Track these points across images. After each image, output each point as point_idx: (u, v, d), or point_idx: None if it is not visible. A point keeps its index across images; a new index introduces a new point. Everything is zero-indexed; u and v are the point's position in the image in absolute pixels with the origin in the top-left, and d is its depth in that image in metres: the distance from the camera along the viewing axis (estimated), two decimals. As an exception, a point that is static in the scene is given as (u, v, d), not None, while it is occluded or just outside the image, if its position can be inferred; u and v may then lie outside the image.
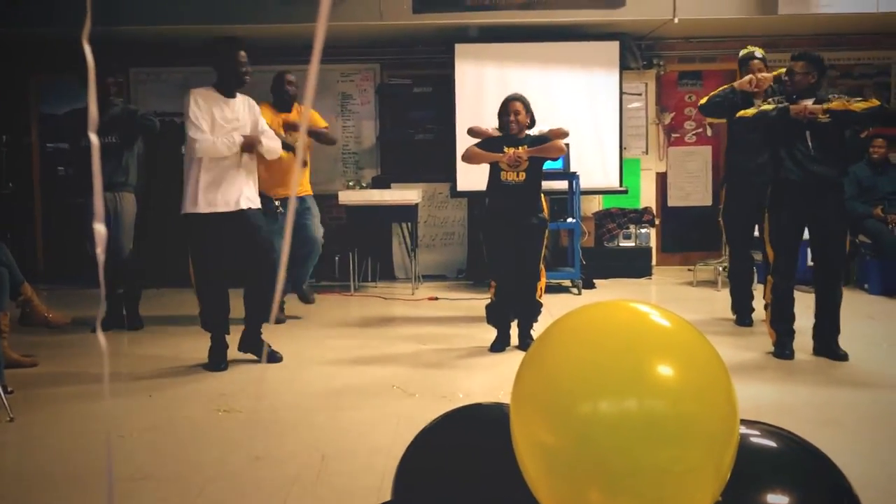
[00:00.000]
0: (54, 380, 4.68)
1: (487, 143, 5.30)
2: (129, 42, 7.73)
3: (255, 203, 4.95)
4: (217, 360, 4.89)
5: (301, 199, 6.21)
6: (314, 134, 6.29)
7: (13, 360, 4.69)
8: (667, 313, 1.30)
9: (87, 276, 6.32)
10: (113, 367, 5.01)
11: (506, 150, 5.14)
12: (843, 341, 4.91)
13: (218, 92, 4.85)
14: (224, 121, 4.78)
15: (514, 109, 5.14)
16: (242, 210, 4.82)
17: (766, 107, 4.93)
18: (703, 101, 5.75)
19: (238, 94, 4.92)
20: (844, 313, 4.95)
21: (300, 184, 6.26)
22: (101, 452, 3.50)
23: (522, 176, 5.13)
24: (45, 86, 8.90)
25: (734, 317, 5.95)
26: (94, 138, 1.16)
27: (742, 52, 5.80)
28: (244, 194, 4.85)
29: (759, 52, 5.71)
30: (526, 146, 5.14)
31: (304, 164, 6.45)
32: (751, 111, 5.01)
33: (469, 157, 5.29)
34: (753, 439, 1.43)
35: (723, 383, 1.24)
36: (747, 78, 5.51)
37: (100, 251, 1.15)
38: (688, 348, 1.25)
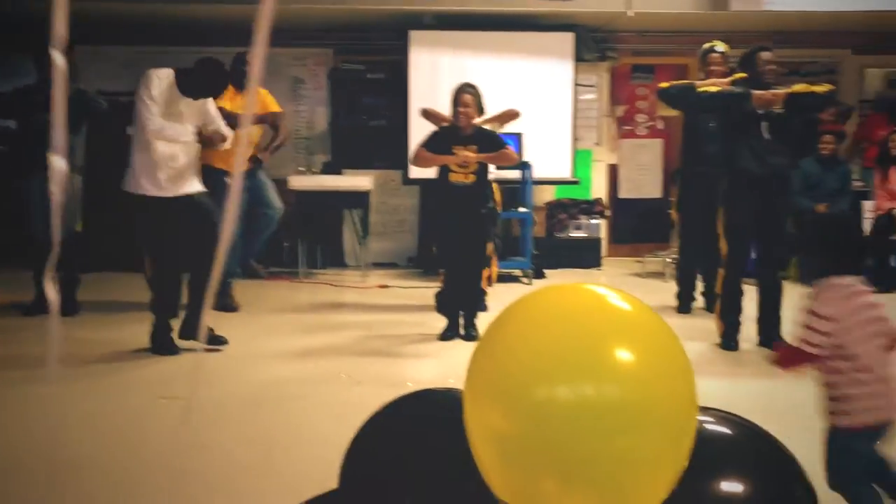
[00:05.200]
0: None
1: (434, 142, 5.16)
2: (74, 18, 7.48)
3: (200, 187, 4.86)
4: (164, 344, 4.78)
5: (251, 173, 6.12)
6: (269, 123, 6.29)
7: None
8: (626, 296, 1.27)
9: (26, 257, 6.14)
10: (51, 351, 4.86)
11: (455, 151, 5.05)
12: (787, 333, 4.98)
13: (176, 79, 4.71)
14: (180, 106, 4.69)
15: (464, 102, 5.06)
16: (191, 194, 4.74)
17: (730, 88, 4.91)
18: (665, 85, 5.61)
19: None
20: (787, 304, 5.02)
21: (246, 160, 6.14)
22: (42, 437, 3.39)
23: (472, 178, 5.07)
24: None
25: (676, 304, 6.08)
26: (59, 113, 1.10)
27: (704, 46, 5.83)
28: (191, 179, 4.79)
29: (719, 47, 5.75)
30: (475, 147, 5.04)
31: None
32: (713, 88, 4.97)
33: (417, 160, 5.20)
34: (708, 426, 1.42)
35: (682, 369, 1.22)
36: (709, 81, 5.47)
37: (55, 189, 1.10)
38: (647, 333, 1.22)
